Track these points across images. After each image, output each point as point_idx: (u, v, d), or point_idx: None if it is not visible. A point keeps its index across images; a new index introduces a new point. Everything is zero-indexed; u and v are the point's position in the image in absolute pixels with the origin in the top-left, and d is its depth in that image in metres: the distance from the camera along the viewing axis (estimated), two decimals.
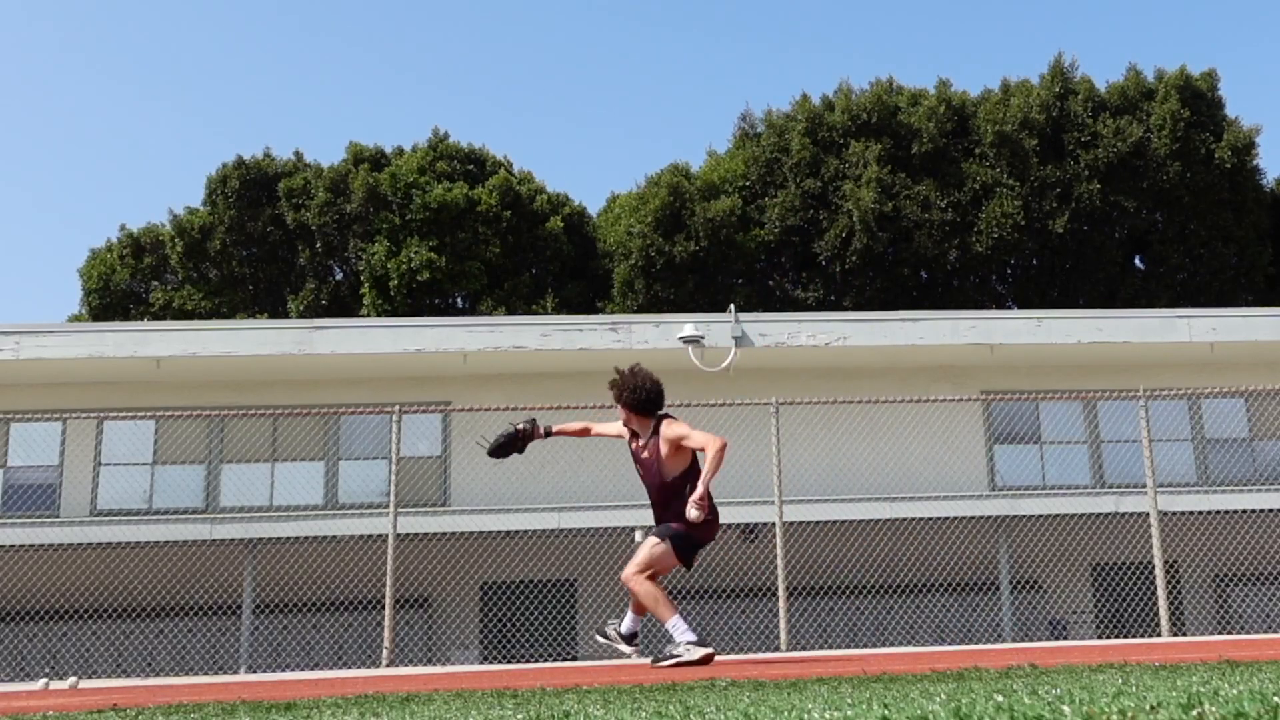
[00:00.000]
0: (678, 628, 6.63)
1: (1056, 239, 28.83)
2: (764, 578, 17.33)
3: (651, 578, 6.84)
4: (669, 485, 6.82)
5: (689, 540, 6.82)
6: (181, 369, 17.66)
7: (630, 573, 6.84)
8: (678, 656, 6.52)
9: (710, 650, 6.60)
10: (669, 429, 6.83)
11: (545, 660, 16.47)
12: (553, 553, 17.76)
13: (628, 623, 7.12)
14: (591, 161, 76.10)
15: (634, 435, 6.97)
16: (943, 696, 2.95)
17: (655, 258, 28.77)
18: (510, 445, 7.29)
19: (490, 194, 30.80)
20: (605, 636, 7.20)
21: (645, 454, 6.89)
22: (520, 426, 7.26)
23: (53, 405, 17.63)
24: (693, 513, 6.60)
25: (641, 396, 6.85)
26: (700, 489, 6.63)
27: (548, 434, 7.27)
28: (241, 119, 74.35)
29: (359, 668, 15.72)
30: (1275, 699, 2.20)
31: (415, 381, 18.42)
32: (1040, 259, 29.97)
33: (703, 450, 6.68)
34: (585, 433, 7.26)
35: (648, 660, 7.53)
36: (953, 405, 18.55)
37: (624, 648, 7.09)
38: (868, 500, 16.55)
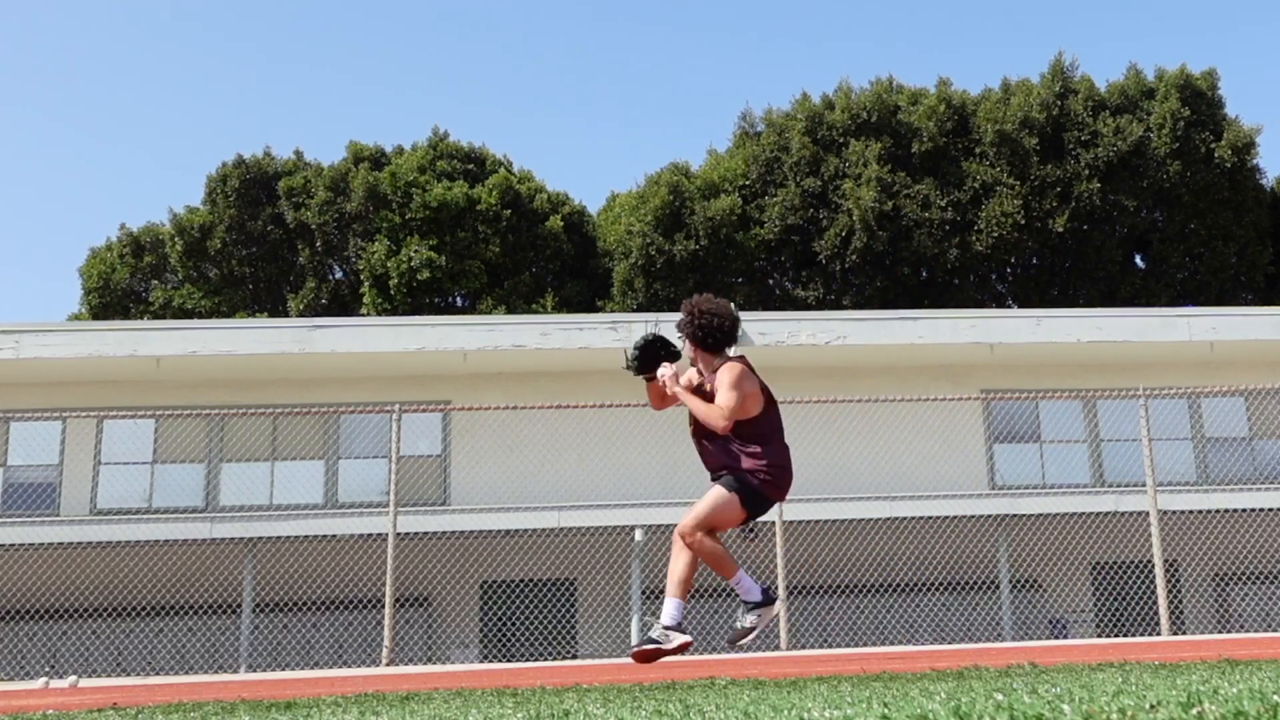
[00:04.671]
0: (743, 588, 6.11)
1: (1056, 238, 28.82)
2: (764, 577, 17.32)
3: (711, 533, 6.00)
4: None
5: (758, 494, 5.96)
6: (181, 368, 17.65)
7: (688, 527, 5.87)
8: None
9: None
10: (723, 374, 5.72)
11: (545, 659, 16.48)
12: (553, 552, 17.75)
13: (671, 611, 5.96)
14: (591, 161, 76.10)
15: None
16: (943, 695, 2.95)
17: (655, 257, 28.76)
18: (651, 355, 5.86)
19: (490, 193, 30.79)
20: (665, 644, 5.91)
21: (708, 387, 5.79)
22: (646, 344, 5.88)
23: (53, 404, 17.63)
24: (667, 372, 5.72)
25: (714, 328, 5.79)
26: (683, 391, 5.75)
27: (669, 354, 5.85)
28: (241, 119, 74.35)
29: (359, 667, 15.72)
30: (1275, 698, 2.20)
31: (415, 381, 18.42)
32: (1040, 258, 29.96)
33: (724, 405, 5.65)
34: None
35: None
36: (952, 404, 18.54)
37: (675, 641, 5.91)
38: (868, 499, 16.54)
